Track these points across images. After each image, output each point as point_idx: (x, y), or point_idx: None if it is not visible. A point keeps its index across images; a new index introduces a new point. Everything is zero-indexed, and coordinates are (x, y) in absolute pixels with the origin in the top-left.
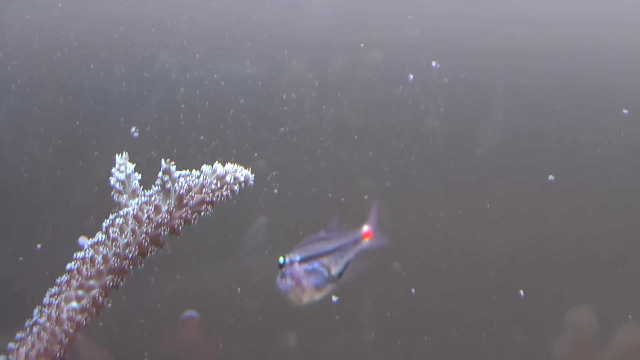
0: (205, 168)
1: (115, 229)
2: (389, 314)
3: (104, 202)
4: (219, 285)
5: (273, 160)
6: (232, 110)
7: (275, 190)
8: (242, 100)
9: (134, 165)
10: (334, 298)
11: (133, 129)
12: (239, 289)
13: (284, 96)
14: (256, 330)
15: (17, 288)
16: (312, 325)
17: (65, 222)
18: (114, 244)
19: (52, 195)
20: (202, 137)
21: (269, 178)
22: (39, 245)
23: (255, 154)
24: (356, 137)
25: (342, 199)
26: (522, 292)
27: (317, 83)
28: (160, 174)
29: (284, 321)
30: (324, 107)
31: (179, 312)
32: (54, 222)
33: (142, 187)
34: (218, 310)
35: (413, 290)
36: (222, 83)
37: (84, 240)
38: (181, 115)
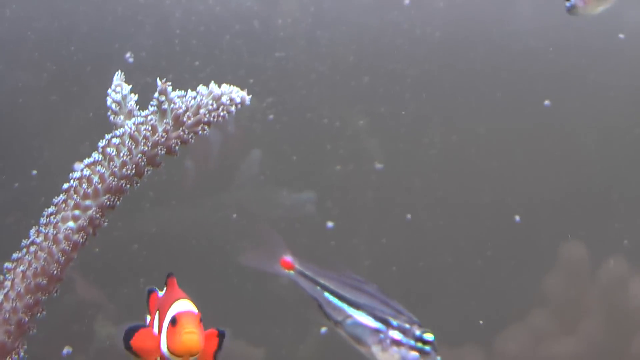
0: (202, 89)
1: (111, 148)
2: (384, 240)
3: (99, 128)
4: (214, 214)
5: (268, 85)
6: (227, 36)
7: (271, 116)
8: (237, 26)
9: (130, 87)
10: (329, 224)
11: (128, 55)
12: (234, 214)
13: (279, 21)
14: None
15: (12, 214)
16: (306, 254)
17: (61, 148)
18: (110, 163)
19: (47, 121)
20: (197, 63)
21: (264, 104)
22: (34, 172)
23: (251, 80)
24: (351, 60)
25: (337, 124)
26: (517, 218)
27: (312, 8)
28: (156, 94)
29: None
30: (318, 32)
31: (174, 238)
32: (49, 148)
33: (138, 108)
34: (213, 240)
35: (409, 216)
36: (217, 8)
37: (79, 166)
38: (176, 41)
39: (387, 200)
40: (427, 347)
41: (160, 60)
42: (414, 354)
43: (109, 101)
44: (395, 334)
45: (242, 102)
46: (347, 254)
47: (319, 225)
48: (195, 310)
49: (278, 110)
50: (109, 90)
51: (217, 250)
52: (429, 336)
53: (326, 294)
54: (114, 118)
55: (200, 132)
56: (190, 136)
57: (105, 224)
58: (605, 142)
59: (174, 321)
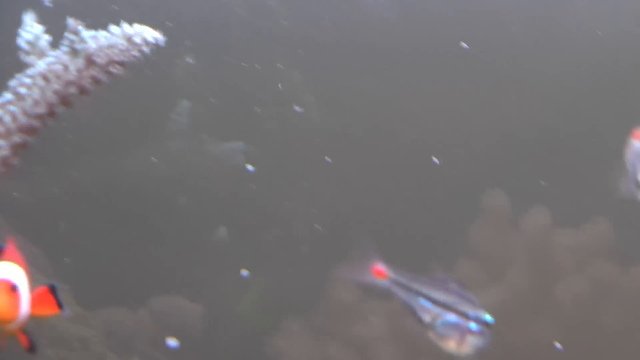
0: (114, 29)
1: (23, 88)
2: (305, 183)
3: (11, 73)
4: (145, 169)
5: (187, 29)
6: None
7: (189, 60)
8: None
9: (43, 27)
10: (250, 167)
11: None
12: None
13: None
14: (188, 217)
15: None
16: (230, 196)
17: None
18: (22, 102)
19: None
20: (115, 7)
21: (182, 47)
22: None
23: (169, 24)
24: (271, 4)
25: (258, 67)
26: (435, 160)
27: None
28: (68, 34)
29: (214, 210)
30: None
31: (105, 191)
32: None
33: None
34: (141, 190)
35: (328, 159)
36: None
37: None
38: None
39: (307, 143)
40: (485, 328)
41: (79, 4)
42: (481, 337)
43: (20, 41)
44: (471, 325)
45: (156, 42)
46: (267, 197)
47: (240, 168)
48: (17, 275)
49: (197, 54)
50: (21, 30)
51: (147, 200)
52: (490, 319)
53: (420, 299)
54: (26, 58)
55: (113, 71)
56: (103, 76)
57: (16, 162)
58: (530, 92)
59: None
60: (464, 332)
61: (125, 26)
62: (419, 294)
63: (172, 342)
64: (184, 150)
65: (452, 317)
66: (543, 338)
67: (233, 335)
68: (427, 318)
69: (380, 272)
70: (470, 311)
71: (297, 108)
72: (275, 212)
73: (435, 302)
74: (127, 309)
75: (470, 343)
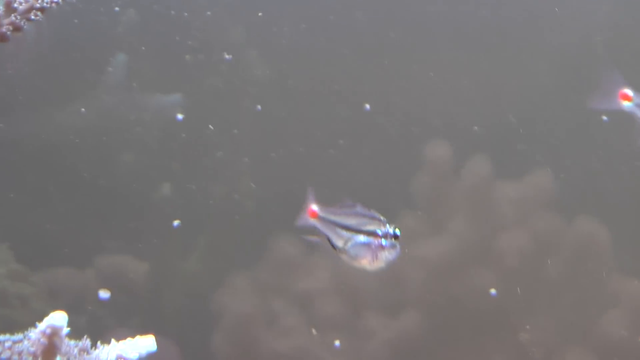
0: None
1: None
2: (235, 131)
3: None
4: (80, 124)
5: None
6: None
7: (117, 8)
8: None
9: None
10: (179, 116)
11: None
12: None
13: None
14: (129, 173)
15: None
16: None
17: None
18: None
19: None
20: None
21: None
22: None
23: None
24: None
25: (185, 14)
26: (367, 106)
27: None
28: None
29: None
30: None
31: (39, 145)
32: None
33: None
34: (77, 145)
35: (259, 107)
36: None
37: None
38: None
39: (237, 91)
40: (395, 241)
41: None
42: (392, 251)
43: None
44: (383, 241)
45: None
46: (199, 145)
47: (168, 118)
48: None
49: (124, 2)
50: None
51: (84, 156)
52: (398, 232)
53: (337, 229)
54: None
55: (33, 17)
56: (23, 22)
57: None
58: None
59: None
60: (376, 249)
61: None
62: (335, 224)
63: (103, 294)
64: (119, 104)
65: (361, 237)
66: (483, 288)
67: (178, 292)
68: (340, 243)
69: (313, 212)
70: (378, 229)
71: (227, 56)
72: (210, 164)
73: (346, 228)
74: (70, 267)
75: (383, 258)
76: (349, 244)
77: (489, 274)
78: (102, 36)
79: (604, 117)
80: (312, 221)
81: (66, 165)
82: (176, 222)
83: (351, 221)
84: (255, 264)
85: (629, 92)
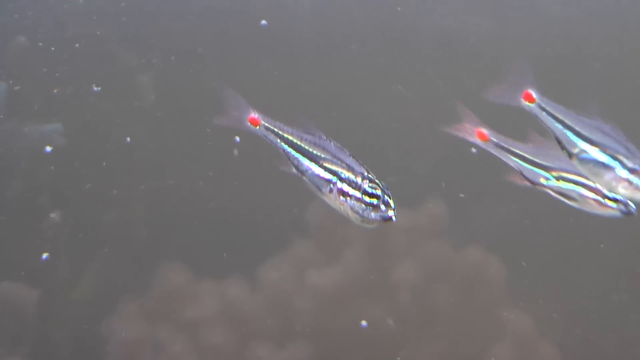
0: None
1: None
2: (104, 164)
3: None
4: None
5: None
6: None
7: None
8: None
9: None
10: (48, 149)
11: None
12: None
13: None
14: (19, 202)
15: None
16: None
17: None
18: None
19: None
20: None
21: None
22: None
23: None
24: None
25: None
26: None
27: None
28: None
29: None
30: None
31: None
32: None
33: None
34: None
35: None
36: None
37: None
38: None
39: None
40: (373, 200)
41: None
42: (361, 205)
43: None
44: (344, 186)
45: None
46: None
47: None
48: None
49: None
50: None
51: None
52: (374, 189)
53: (287, 148)
54: None
55: None
56: None
57: None
58: None
59: None
60: (329, 187)
61: None
62: (287, 142)
63: None
64: (1, 134)
65: (319, 170)
66: (376, 318)
67: (68, 318)
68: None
69: (255, 120)
70: (344, 171)
71: (95, 88)
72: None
73: (303, 153)
74: None
75: (339, 199)
76: (308, 172)
77: (380, 304)
78: None
79: (473, 150)
80: (254, 128)
81: None
82: (72, 250)
83: (312, 149)
84: (144, 291)
85: (534, 93)
